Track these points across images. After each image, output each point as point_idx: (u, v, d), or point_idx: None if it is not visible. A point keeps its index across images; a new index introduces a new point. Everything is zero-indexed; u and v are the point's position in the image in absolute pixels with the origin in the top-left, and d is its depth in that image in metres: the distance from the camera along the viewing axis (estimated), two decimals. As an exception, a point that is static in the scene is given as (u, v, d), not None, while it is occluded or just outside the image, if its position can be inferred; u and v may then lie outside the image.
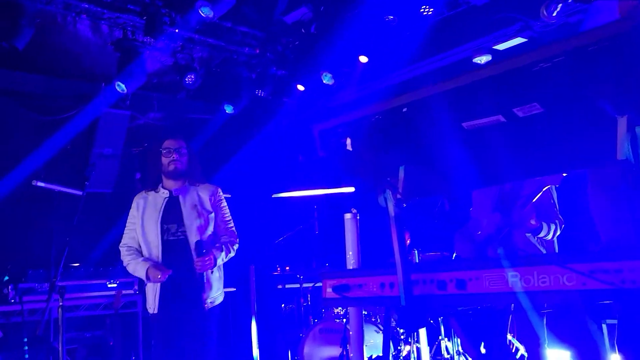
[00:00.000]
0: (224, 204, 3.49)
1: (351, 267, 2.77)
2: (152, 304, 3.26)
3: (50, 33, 4.94)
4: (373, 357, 4.15)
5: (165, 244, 3.28)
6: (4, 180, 5.11)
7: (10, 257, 5.03)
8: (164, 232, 3.30)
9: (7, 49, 4.56)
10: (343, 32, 5.04)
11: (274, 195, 6.27)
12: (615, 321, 3.78)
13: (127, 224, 3.42)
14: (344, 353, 4.18)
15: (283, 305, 5.86)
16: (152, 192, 3.40)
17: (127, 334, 5.21)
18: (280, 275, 5.77)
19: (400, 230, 1.79)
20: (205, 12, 4.65)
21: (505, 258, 1.70)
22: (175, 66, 5.55)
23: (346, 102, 5.61)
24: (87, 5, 4.74)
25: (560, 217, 3.24)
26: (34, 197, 5.27)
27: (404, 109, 1.64)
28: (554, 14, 4.08)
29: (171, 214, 3.32)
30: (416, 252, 4.23)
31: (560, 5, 4.02)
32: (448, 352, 4.26)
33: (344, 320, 4.51)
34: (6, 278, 4.80)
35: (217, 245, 3.35)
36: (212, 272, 3.32)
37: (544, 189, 2.94)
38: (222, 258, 3.33)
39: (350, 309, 2.95)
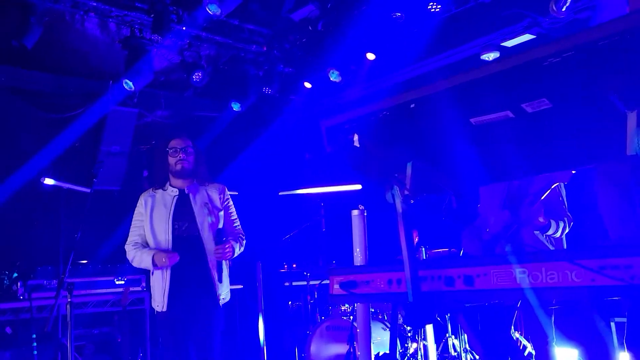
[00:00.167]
0: (231, 202, 3.51)
1: (358, 264, 2.76)
2: (161, 302, 3.25)
3: (58, 31, 4.97)
4: (380, 354, 4.15)
5: (175, 241, 3.28)
6: (12, 178, 5.15)
7: (19, 254, 5.08)
8: (174, 230, 3.30)
9: (17, 48, 4.59)
10: (350, 30, 5.04)
11: (281, 193, 6.28)
12: (624, 319, 3.76)
13: (133, 222, 3.41)
14: (351, 350, 4.18)
15: (290, 302, 5.86)
16: (160, 191, 3.40)
17: (135, 331, 5.24)
18: (287, 273, 5.78)
19: (407, 227, 1.79)
20: (212, 9, 4.66)
21: (513, 254, 1.69)
22: (183, 64, 5.56)
23: (353, 99, 5.60)
24: (95, 4, 4.76)
25: (568, 214, 3.21)
26: (43, 194, 5.31)
27: (412, 105, 1.64)
28: (563, 9, 4.04)
29: (182, 212, 3.33)
30: (423, 249, 4.22)
31: (569, 0, 3.99)
32: (455, 350, 4.25)
33: (351, 317, 4.51)
34: (15, 275, 4.84)
35: (233, 237, 3.38)
36: (224, 268, 3.33)
37: (552, 186, 2.92)
38: (237, 249, 3.35)
39: (358, 306, 2.94)
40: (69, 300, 3.54)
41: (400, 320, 4.38)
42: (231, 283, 3.49)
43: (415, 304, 1.77)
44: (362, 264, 2.63)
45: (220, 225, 3.38)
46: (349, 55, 5.28)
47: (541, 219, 2.99)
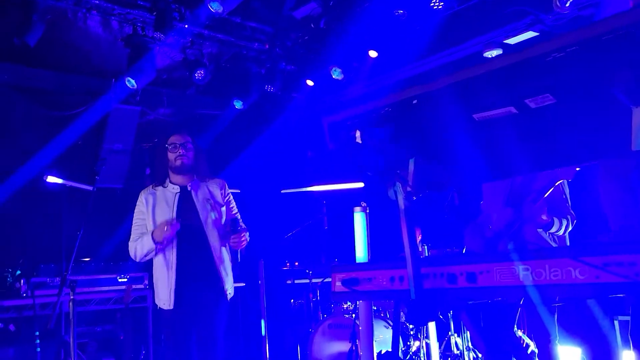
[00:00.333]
0: (232, 197, 3.51)
1: (360, 261, 2.76)
2: (167, 300, 3.22)
3: (61, 29, 4.97)
4: (382, 352, 4.14)
5: (180, 239, 3.28)
6: (15, 176, 5.16)
7: (22, 252, 5.09)
8: (179, 227, 3.29)
9: (19, 45, 4.59)
10: (352, 27, 5.03)
11: (283, 191, 6.27)
12: (627, 317, 3.75)
13: (135, 221, 3.39)
14: (353, 348, 4.17)
15: (292, 300, 5.86)
16: (160, 188, 3.39)
17: (137, 329, 5.25)
18: (289, 271, 5.78)
19: (410, 224, 1.78)
20: (214, 7, 4.66)
21: (516, 252, 1.68)
22: (185, 62, 5.56)
23: (356, 96, 5.59)
24: (97, 2, 4.76)
25: (572, 212, 3.20)
26: (45, 192, 5.32)
27: (414, 101, 1.63)
28: (567, 4, 4.02)
29: (185, 209, 3.33)
30: (426, 247, 4.21)
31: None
32: (458, 348, 4.24)
33: (353, 315, 4.51)
34: (18, 272, 4.85)
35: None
36: (227, 263, 3.33)
37: (556, 184, 2.90)
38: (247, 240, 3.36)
39: (360, 304, 2.93)
40: (72, 297, 3.55)
41: (403, 319, 4.37)
42: (234, 281, 3.49)
43: (418, 301, 1.76)
44: (364, 261, 2.63)
45: (224, 221, 3.38)
46: (351, 53, 5.28)
47: (544, 217, 2.98)
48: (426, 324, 3.92)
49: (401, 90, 1.65)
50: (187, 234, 3.28)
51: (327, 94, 5.86)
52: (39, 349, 4.54)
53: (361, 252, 2.60)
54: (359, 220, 2.60)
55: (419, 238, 4.36)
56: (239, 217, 3.51)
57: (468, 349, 4.04)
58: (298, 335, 5.53)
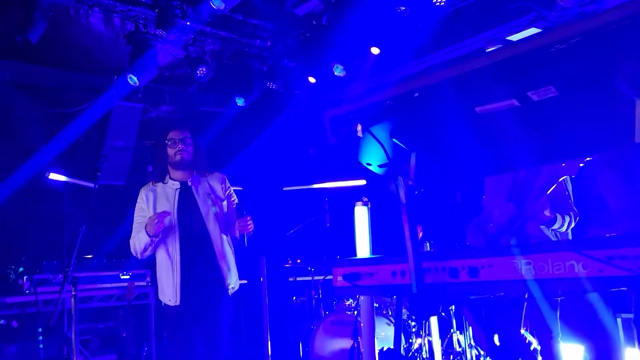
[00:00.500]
0: (232, 191, 3.50)
1: (362, 256, 2.75)
2: (173, 296, 3.20)
3: (63, 26, 4.97)
4: (384, 349, 4.14)
5: (182, 235, 3.27)
6: (18, 173, 5.16)
7: (24, 249, 5.10)
8: (180, 224, 3.29)
9: (21, 43, 4.60)
10: (354, 24, 5.01)
11: (285, 188, 6.27)
12: (630, 315, 3.73)
13: (135, 218, 3.37)
14: (355, 345, 4.17)
15: (294, 297, 5.86)
16: (160, 184, 3.38)
17: (140, 325, 5.25)
18: (291, 268, 5.77)
19: (411, 218, 1.77)
20: (216, 4, 4.65)
21: (519, 246, 1.67)
22: (187, 59, 5.55)
23: (358, 93, 5.58)
24: (99, -2, 4.77)
25: (574, 208, 3.18)
26: (48, 189, 5.33)
27: (416, 94, 1.62)
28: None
29: (186, 205, 3.32)
30: (427, 244, 4.19)
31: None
32: (460, 345, 4.23)
33: (355, 312, 4.50)
34: (21, 269, 4.86)
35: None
36: (230, 258, 3.32)
37: (559, 180, 2.89)
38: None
39: (362, 301, 2.93)
40: (74, 293, 3.55)
41: (405, 316, 4.36)
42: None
43: (419, 295, 1.75)
44: (365, 256, 2.62)
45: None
46: (353, 50, 5.26)
47: (547, 213, 2.96)
48: (428, 318, 3.91)
49: (403, 83, 1.64)
50: (188, 230, 3.28)
51: (329, 91, 5.84)
52: (41, 346, 4.55)
53: (362, 246, 2.60)
54: (361, 214, 2.60)
55: (420, 235, 4.35)
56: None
57: (470, 347, 4.03)
58: (300, 333, 5.52)
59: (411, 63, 5.44)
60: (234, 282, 3.33)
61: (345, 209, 3.77)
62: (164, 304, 3.29)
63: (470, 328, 3.98)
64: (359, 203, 2.70)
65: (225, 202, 3.41)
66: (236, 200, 3.49)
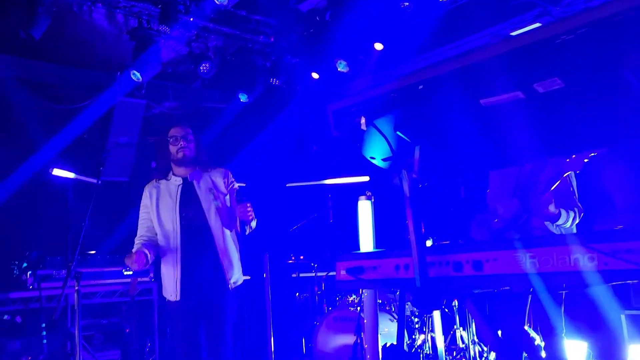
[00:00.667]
0: (236, 185, 3.49)
1: (365, 250, 2.74)
2: (173, 292, 3.22)
3: (66, 22, 4.97)
4: (387, 345, 4.13)
5: (183, 230, 3.27)
6: (21, 169, 5.18)
7: (28, 245, 5.11)
8: (182, 218, 3.29)
9: (25, 39, 4.60)
10: (358, 20, 4.99)
11: (289, 185, 6.26)
12: (634, 312, 3.71)
13: (140, 215, 3.40)
14: (358, 341, 4.16)
15: (297, 294, 5.86)
16: (164, 181, 3.39)
17: (143, 321, 5.27)
18: (294, 264, 5.77)
19: (415, 211, 1.76)
20: (219, 0, 4.64)
21: (523, 239, 1.66)
22: (190, 55, 5.55)
23: (361, 84, 5.55)
24: (102, -6, 4.77)
25: (579, 204, 3.16)
26: (51, 185, 5.34)
27: (420, 86, 1.61)
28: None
29: (188, 200, 3.32)
30: (431, 240, 4.18)
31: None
32: (463, 342, 4.22)
33: (359, 308, 4.49)
34: (24, 265, 4.87)
35: None
36: (232, 253, 3.31)
37: (564, 175, 2.87)
38: (255, 220, 3.32)
39: (365, 297, 2.92)
40: (77, 288, 3.56)
41: (408, 312, 4.36)
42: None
43: (423, 289, 1.74)
44: (369, 250, 2.61)
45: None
46: (357, 46, 5.24)
47: (552, 208, 2.94)
48: (431, 312, 3.90)
49: (407, 75, 1.63)
50: (190, 225, 3.28)
51: (333, 86, 5.83)
52: (45, 341, 4.57)
53: (366, 241, 2.59)
54: (364, 208, 2.59)
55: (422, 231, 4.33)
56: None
57: (473, 343, 4.03)
58: (303, 328, 5.52)
59: (414, 59, 5.42)
60: (235, 277, 3.31)
61: (349, 206, 3.76)
62: (167, 299, 3.30)
63: (474, 324, 3.97)
64: (363, 197, 2.69)
65: (228, 197, 3.40)
66: (236, 188, 3.47)
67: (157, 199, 3.35)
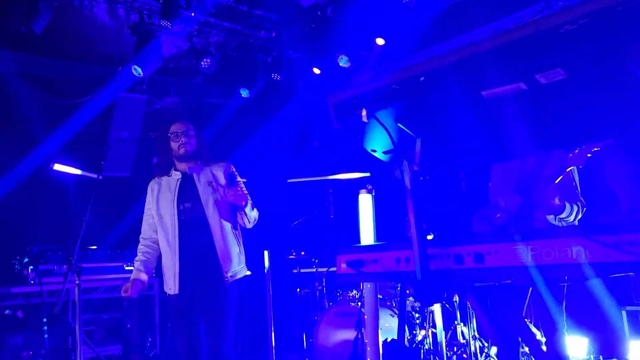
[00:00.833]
0: (239, 178, 3.48)
1: (366, 244, 2.73)
2: (172, 285, 3.24)
3: (67, 17, 4.96)
4: (388, 340, 4.13)
5: (181, 223, 3.27)
6: (23, 164, 5.18)
7: (29, 240, 5.12)
8: (180, 212, 3.30)
9: (26, 34, 4.59)
10: (359, 15, 4.97)
11: (290, 180, 6.26)
12: (635, 307, 3.71)
13: (144, 212, 3.43)
14: (359, 336, 4.16)
15: (298, 289, 5.86)
16: (165, 177, 3.41)
17: (144, 316, 5.27)
18: (295, 259, 5.77)
19: (416, 204, 1.75)
20: (220, -6, 4.63)
21: (525, 232, 1.65)
22: (192, 50, 5.53)
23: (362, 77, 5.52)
24: (103, -11, 4.75)
25: (582, 199, 3.15)
26: (53, 180, 5.34)
27: (422, 78, 1.60)
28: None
29: (186, 193, 3.32)
30: (432, 235, 4.17)
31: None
32: (464, 337, 4.22)
33: (359, 303, 4.49)
34: (26, 260, 4.88)
35: None
36: (231, 245, 3.30)
37: (567, 170, 2.86)
38: (250, 206, 3.29)
39: (365, 289, 2.92)
40: (77, 282, 3.56)
41: (409, 307, 4.35)
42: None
43: (424, 282, 1.73)
44: (369, 243, 2.60)
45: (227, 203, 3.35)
46: (359, 41, 5.22)
47: (557, 201, 2.93)
48: (432, 305, 3.89)
49: (408, 67, 1.62)
50: (187, 218, 3.29)
51: (334, 81, 5.81)
52: (46, 336, 4.58)
53: (367, 234, 2.58)
54: (365, 202, 2.58)
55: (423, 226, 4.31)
56: (249, 198, 3.46)
57: (474, 338, 4.02)
58: (304, 324, 5.53)
59: (417, 54, 5.39)
60: (233, 270, 3.27)
61: (350, 201, 3.75)
62: (167, 294, 3.31)
63: (475, 319, 3.97)
64: (363, 190, 2.68)
65: None
66: (241, 184, 3.45)
67: (158, 195, 3.37)
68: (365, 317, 3.30)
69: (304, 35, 5.53)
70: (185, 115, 3.69)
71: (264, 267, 4.82)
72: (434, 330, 4.10)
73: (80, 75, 5.53)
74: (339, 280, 2.02)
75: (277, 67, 5.77)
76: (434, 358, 4.08)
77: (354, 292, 4.78)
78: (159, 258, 3.42)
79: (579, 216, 3.12)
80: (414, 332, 4.33)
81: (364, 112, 1.75)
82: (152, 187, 3.41)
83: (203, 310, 3.24)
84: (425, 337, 4.21)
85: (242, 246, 3.41)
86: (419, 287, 1.74)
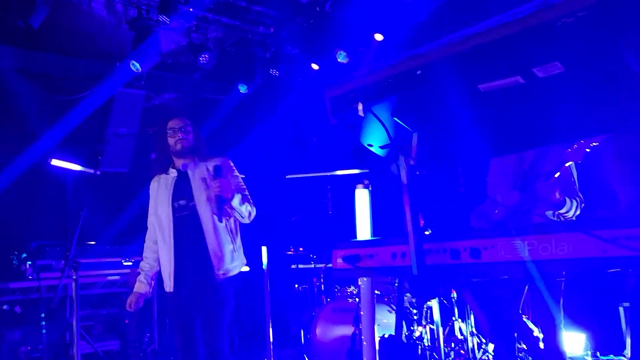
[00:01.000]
0: (236, 173, 3.46)
1: (362, 238, 2.72)
2: (168, 283, 3.26)
3: (65, 13, 4.95)
4: (386, 336, 4.13)
5: (176, 221, 3.27)
6: (20, 159, 5.17)
7: (27, 235, 5.11)
8: (174, 210, 3.30)
9: (24, 30, 4.58)
10: (358, 10, 4.96)
11: (288, 176, 6.25)
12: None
13: (148, 212, 3.45)
14: (357, 332, 4.16)
15: (296, 285, 5.86)
16: (164, 175, 3.41)
17: (142, 312, 5.23)
18: (293, 256, 5.76)
19: (412, 198, 1.74)
20: (219, -11, 4.61)
21: (522, 227, 1.64)
22: (190, 46, 5.52)
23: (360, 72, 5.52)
24: (101, -17, 4.74)
25: (580, 195, 3.14)
26: (51, 176, 5.33)
27: (418, 72, 1.59)
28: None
29: (181, 190, 3.32)
30: (429, 231, 4.16)
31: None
32: (462, 333, 4.21)
33: (357, 299, 4.49)
34: (24, 255, 4.87)
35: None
36: (224, 242, 3.28)
37: (565, 165, 2.84)
38: (238, 200, 3.22)
39: (361, 284, 2.91)
40: (74, 278, 3.55)
41: (406, 304, 4.35)
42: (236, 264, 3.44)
43: (420, 277, 1.73)
44: (366, 238, 2.59)
45: None
46: (357, 37, 5.21)
47: (557, 195, 2.92)
48: (428, 300, 3.89)
49: (405, 60, 1.61)
50: (180, 215, 3.29)
51: (333, 77, 5.80)
52: (44, 331, 4.58)
53: (363, 229, 2.57)
54: (361, 197, 2.57)
55: (421, 223, 4.30)
56: (247, 193, 3.44)
57: (472, 334, 4.02)
58: (302, 320, 5.52)
59: (415, 50, 5.37)
60: (225, 267, 3.24)
61: (348, 197, 3.74)
62: (165, 291, 3.31)
63: (472, 316, 3.96)
64: (360, 185, 2.67)
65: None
66: (242, 185, 3.44)
67: (156, 193, 3.38)
68: (362, 312, 3.29)
69: (303, 31, 5.51)
70: (184, 111, 3.68)
71: (262, 263, 4.82)
72: (432, 327, 4.10)
73: (78, 70, 5.52)
74: (335, 275, 2.01)
75: (275, 63, 5.76)
76: (432, 354, 4.08)
77: (352, 288, 4.78)
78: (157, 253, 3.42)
79: (578, 212, 3.11)
80: (412, 328, 4.32)
81: (360, 106, 1.74)
82: (153, 184, 3.43)
83: (198, 308, 3.24)
84: (422, 333, 4.21)
85: (238, 243, 3.38)
86: (415, 282, 1.74)
